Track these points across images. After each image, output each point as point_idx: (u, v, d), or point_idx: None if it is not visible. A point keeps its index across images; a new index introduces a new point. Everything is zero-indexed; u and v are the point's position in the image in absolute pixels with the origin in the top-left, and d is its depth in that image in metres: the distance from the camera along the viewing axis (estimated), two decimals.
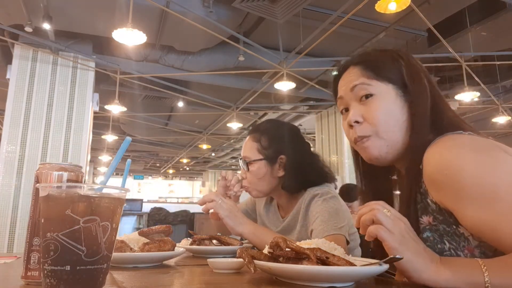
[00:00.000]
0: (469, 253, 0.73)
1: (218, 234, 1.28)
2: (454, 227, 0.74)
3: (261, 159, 1.35)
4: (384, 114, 0.82)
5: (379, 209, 0.68)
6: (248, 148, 1.39)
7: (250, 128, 1.50)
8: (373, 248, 0.92)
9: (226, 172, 1.44)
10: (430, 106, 0.82)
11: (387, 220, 0.67)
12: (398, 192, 0.94)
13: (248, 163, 1.37)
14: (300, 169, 1.33)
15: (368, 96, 0.84)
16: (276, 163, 1.36)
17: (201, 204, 1.30)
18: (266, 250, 0.76)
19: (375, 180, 0.95)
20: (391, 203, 0.93)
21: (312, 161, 1.39)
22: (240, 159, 1.43)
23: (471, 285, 0.64)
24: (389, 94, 0.83)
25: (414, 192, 0.79)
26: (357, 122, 0.84)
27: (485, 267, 0.64)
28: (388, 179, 0.95)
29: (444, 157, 0.72)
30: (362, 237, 1.46)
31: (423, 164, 0.76)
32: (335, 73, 0.95)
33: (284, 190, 1.36)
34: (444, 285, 0.65)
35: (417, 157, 0.78)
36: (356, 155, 0.94)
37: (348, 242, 1.20)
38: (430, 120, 0.81)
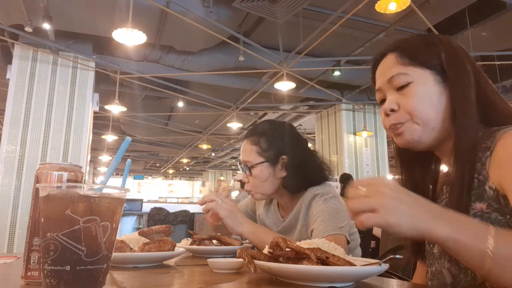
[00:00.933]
0: None
1: (218, 234, 1.28)
2: (508, 217, 0.72)
3: (263, 162, 1.35)
4: (420, 102, 0.80)
5: (353, 198, 0.63)
6: (248, 152, 1.37)
7: (248, 129, 1.47)
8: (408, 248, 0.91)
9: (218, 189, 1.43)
10: (475, 93, 0.79)
11: (363, 201, 0.61)
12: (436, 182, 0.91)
13: (250, 167, 1.36)
14: (301, 168, 1.33)
15: (404, 85, 0.82)
16: (278, 163, 1.35)
17: (201, 204, 1.30)
18: (266, 250, 0.76)
19: (414, 168, 0.93)
20: (429, 191, 0.91)
21: (312, 159, 1.39)
22: (240, 163, 1.42)
23: (473, 241, 0.58)
24: (426, 80, 0.81)
25: (468, 179, 0.76)
26: (392, 110, 0.83)
27: (493, 231, 0.58)
28: (427, 166, 0.92)
29: None
30: (362, 237, 1.46)
31: (494, 149, 0.73)
32: (372, 62, 0.92)
33: (286, 189, 1.35)
34: (441, 235, 0.59)
35: (467, 145, 0.76)
36: (394, 143, 0.92)
37: (348, 242, 1.20)
38: (478, 108, 0.78)
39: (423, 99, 0.80)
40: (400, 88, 0.82)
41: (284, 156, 1.35)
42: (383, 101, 0.87)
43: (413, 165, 0.93)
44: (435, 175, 0.92)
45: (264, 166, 1.34)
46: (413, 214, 0.60)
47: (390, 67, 0.85)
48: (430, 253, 0.89)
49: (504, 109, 0.80)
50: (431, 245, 0.88)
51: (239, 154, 1.45)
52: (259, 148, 1.36)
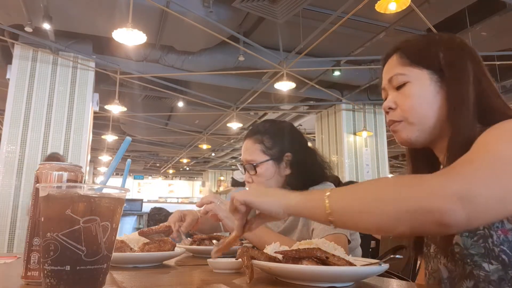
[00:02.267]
0: (502, 235, 0.73)
1: (217, 234, 1.28)
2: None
3: (267, 160, 1.35)
4: (415, 101, 0.83)
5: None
6: (252, 151, 1.37)
7: (249, 129, 1.48)
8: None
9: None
10: (474, 93, 0.79)
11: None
12: None
13: (255, 166, 1.36)
14: (305, 165, 1.34)
15: (402, 85, 0.85)
16: (283, 161, 1.36)
17: (199, 206, 1.29)
18: (266, 250, 0.76)
19: (420, 164, 0.95)
20: None
21: (314, 157, 1.40)
22: (241, 164, 1.42)
23: (314, 201, 0.69)
24: (423, 80, 0.83)
25: None
26: (390, 108, 0.87)
27: (329, 191, 0.68)
28: (434, 163, 0.93)
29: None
30: (362, 237, 1.46)
31: None
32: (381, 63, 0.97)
33: (289, 187, 1.35)
34: (293, 202, 0.71)
35: (460, 143, 0.75)
36: None
37: (349, 242, 1.20)
38: (476, 108, 0.78)
39: (419, 98, 0.83)
40: (399, 88, 0.86)
41: (288, 154, 1.35)
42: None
43: (419, 162, 0.95)
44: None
45: (269, 164, 1.35)
46: (271, 195, 0.75)
47: (392, 67, 0.89)
48: (427, 255, 0.90)
49: (503, 110, 0.80)
50: (429, 247, 0.90)
51: (239, 154, 1.46)
52: (263, 147, 1.36)
